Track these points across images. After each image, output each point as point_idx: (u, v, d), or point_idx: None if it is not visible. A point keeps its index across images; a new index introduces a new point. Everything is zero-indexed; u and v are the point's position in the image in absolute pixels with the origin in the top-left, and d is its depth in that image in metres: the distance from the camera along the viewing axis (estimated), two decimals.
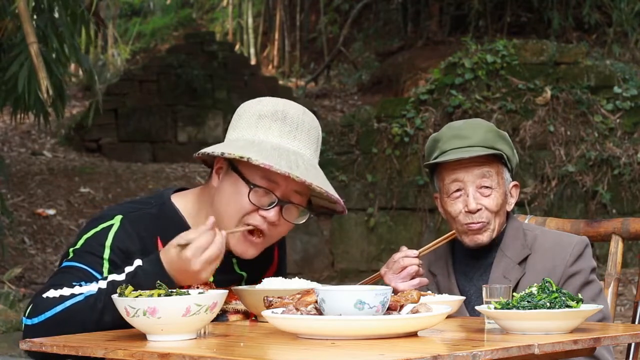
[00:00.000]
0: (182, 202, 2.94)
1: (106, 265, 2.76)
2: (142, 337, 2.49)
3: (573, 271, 3.14)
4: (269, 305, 2.60)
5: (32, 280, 9.90)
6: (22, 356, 7.48)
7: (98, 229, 2.82)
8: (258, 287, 2.84)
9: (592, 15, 13.41)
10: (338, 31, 17.14)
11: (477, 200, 3.13)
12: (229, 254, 2.89)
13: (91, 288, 2.68)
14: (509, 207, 3.22)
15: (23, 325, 2.70)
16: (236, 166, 2.83)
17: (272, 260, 3.10)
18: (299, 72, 17.45)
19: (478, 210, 3.12)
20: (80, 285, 2.69)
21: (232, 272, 2.96)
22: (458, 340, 2.51)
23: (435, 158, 3.17)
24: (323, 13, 17.54)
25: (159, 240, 2.83)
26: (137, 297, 2.45)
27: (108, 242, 2.79)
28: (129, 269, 2.68)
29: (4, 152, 13.48)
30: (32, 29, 6.84)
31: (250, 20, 18.24)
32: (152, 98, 14.28)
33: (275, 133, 2.83)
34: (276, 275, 3.09)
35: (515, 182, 3.24)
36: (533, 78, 10.09)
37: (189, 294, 2.50)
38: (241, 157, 2.74)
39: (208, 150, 2.82)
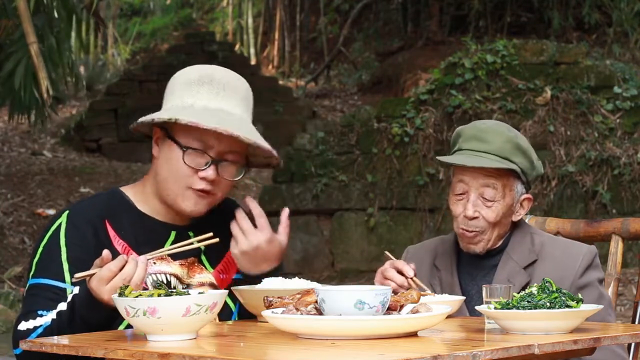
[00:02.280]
0: (130, 189, 3.04)
1: (65, 266, 2.86)
2: (142, 337, 2.49)
3: (583, 283, 3.12)
4: (269, 305, 2.60)
5: None
6: None
7: (50, 233, 2.92)
8: (258, 287, 2.84)
9: (592, 15, 13.41)
10: (338, 31, 17.14)
11: (475, 207, 3.11)
12: (186, 228, 2.95)
13: (48, 319, 2.80)
14: (516, 217, 3.19)
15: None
16: (170, 133, 2.93)
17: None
18: (299, 72, 17.45)
19: (475, 217, 3.12)
20: (42, 316, 2.81)
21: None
22: (458, 340, 2.51)
23: (452, 153, 3.18)
24: (323, 13, 17.54)
25: (107, 223, 2.92)
26: (137, 297, 2.45)
27: (62, 242, 2.89)
28: (70, 296, 2.78)
29: (4, 152, 13.48)
30: (32, 29, 6.84)
31: (250, 20, 18.24)
32: (152, 98, 14.25)
33: (203, 96, 2.93)
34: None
35: (528, 195, 3.20)
36: (533, 78, 10.09)
37: (189, 294, 2.50)
38: (169, 119, 2.85)
39: (141, 119, 2.94)
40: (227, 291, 2.61)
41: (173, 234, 2.96)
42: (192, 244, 2.82)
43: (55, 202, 11.95)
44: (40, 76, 6.63)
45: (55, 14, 7.85)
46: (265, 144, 2.92)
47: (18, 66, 7.45)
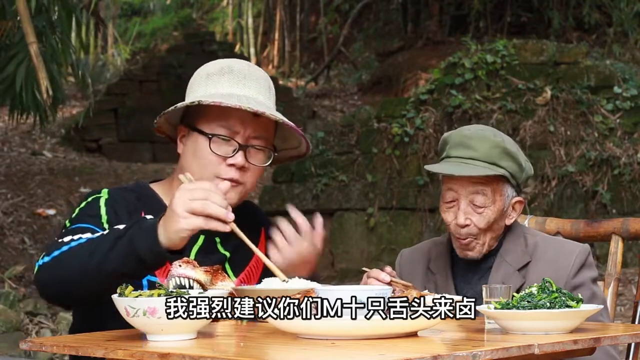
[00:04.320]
0: (159, 186, 3.01)
1: (105, 225, 2.82)
2: (142, 337, 2.49)
3: (576, 283, 3.11)
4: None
5: (32, 279, 9.90)
6: (22, 356, 7.48)
7: (90, 199, 2.89)
8: (258, 287, 2.84)
9: (592, 15, 13.41)
10: (338, 31, 17.14)
11: (466, 215, 3.11)
12: (213, 233, 2.90)
13: (95, 233, 2.73)
14: (509, 221, 3.18)
15: (36, 267, 2.75)
16: (195, 125, 2.89)
17: (257, 243, 3.04)
18: (299, 72, 17.45)
19: (466, 225, 3.12)
20: (85, 233, 2.74)
21: (214, 251, 2.96)
22: (458, 340, 2.51)
23: (440, 160, 3.18)
24: (323, 13, 17.55)
25: (143, 215, 2.87)
26: (137, 297, 2.45)
27: (102, 209, 2.86)
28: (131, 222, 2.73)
29: (4, 152, 13.49)
30: (32, 29, 6.84)
31: (250, 20, 18.24)
32: (152, 98, 14.27)
33: (225, 85, 2.91)
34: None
35: (519, 198, 3.19)
36: (533, 78, 10.09)
37: (189, 293, 2.50)
38: (192, 103, 2.82)
39: (164, 111, 2.90)
40: (227, 291, 2.61)
41: (201, 238, 2.93)
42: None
43: (55, 202, 11.95)
44: (40, 76, 6.63)
45: (56, 15, 7.85)
46: (291, 124, 2.89)
47: (19, 68, 7.46)
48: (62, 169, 13.06)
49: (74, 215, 2.87)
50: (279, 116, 2.87)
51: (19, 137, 14.43)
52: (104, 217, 2.84)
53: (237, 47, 17.64)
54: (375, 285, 2.95)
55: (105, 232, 2.71)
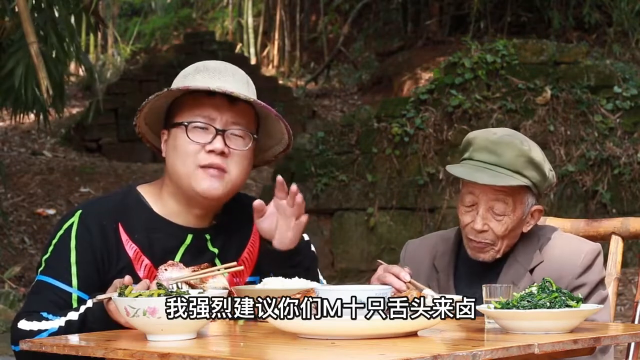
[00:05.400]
0: (147, 188, 3.00)
1: (74, 270, 2.83)
2: (142, 337, 2.49)
3: (579, 283, 3.07)
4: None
5: (32, 279, 9.90)
6: None
7: (62, 231, 2.88)
8: (258, 287, 2.84)
9: (592, 15, 13.41)
10: (338, 31, 17.14)
11: (485, 220, 3.07)
12: (202, 231, 2.91)
13: (54, 324, 2.77)
14: (526, 228, 3.14)
15: (12, 344, 2.84)
16: (173, 122, 2.90)
17: (248, 235, 3.03)
18: (299, 72, 17.44)
19: (484, 231, 3.08)
20: (47, 320, 2.78)
21: (204, 250, 2.95)
22: (458, 340, 2.51)
23: (461, 160, 3.14)
24: (323, 13, 17.54)
25: (120, 227, 2.88)
26: (137, 297, 2.45)
27: (72, 244, 2.86)
28: (82, 308, 2.75)
29: (4, 152, 13.48)
30: (32, 28, 6.84)
31: (250, 20, 18.23)
32: None
33: (199, 80, 2.90)
34: (260, 254, 3.05)
35: (538, 207, 3.14)
36: (533, 78, 10.08)
37: (189, 293, 2.50)
38: (158, 94, 2.84)
39: (137, 111, 2.91)
40: (226, 290, 2.61)
41: (189, 237, 2.92)
42: (218, 270, 2.78)
43: (55, 202, 11.95)
44: (40, 76, 6.63)
45: (56, 13, 7.85)
46: (264, 104, 2.88)
47: (18, 66, 7.46)
48: (62, 169, 13.06)
49: (48, 252, 2.88)
50: (251, 97, 2.86)
51: (19, 137, 14.43)
52: (73, 257, 2.84)
53: (237, 47, 17.63)
54: (392, 280, 2.94)
55: (63, 325, 2.75)
